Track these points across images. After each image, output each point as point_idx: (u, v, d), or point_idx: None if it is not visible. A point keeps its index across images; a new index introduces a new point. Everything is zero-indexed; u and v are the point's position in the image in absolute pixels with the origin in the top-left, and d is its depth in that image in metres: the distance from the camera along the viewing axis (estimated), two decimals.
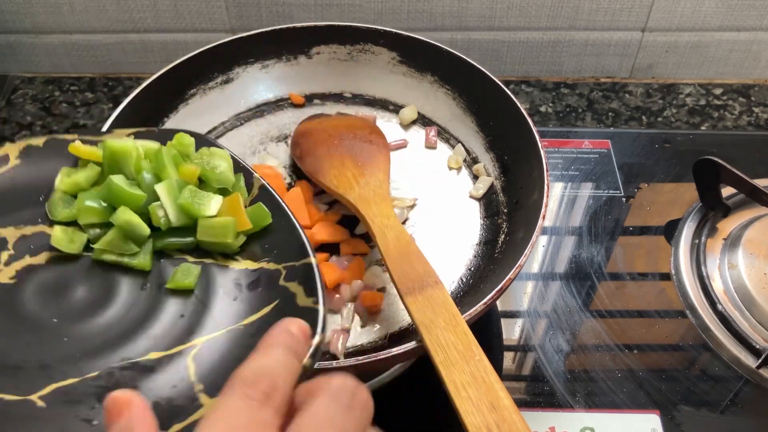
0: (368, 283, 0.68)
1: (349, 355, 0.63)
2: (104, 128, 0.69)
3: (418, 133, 0.82)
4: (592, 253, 0.79)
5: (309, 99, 0.85)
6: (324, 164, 0.71)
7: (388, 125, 0.82)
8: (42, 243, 0.50)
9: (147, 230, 0.50)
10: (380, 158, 0.72)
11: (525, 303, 0.75)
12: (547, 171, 0.67)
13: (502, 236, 0.71)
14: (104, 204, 0.51)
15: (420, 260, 0.57)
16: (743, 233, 0.76)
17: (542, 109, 0.99)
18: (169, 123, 0.78)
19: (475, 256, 0.71)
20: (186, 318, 0.47)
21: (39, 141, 0.56)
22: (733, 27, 0.98)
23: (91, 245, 0.51)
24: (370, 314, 0.66)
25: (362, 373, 0.67)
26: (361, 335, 0.65)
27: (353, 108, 0.84)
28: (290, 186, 0.75)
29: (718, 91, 1.02)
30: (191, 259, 0.51)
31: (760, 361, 0.68)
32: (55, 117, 0.97)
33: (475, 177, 0.77)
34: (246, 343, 0.45)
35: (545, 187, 0.66)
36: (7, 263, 0.49)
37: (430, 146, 0.80)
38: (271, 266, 0.50)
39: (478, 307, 0.57)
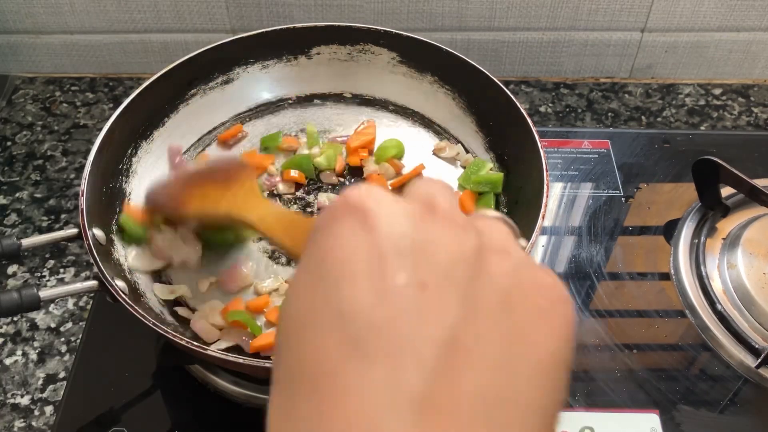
0: None
1: None
2: (105, 128, 0.70)
3: (419, 133, 0.82)
4: (591, 253, 0.79)
5: (309, 99, 0.85)
6: (185, 200, 0.66)
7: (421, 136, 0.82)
8: None
9: None
10: (244, 173, 0.67)
11: None
12: (546, 171, 0.67)
13: None
14: None
15: (307, 222, 0.57)
16: (742, 233, 0.76)
17: (542, 109, 0.99)
18: (170, 123, 0.78)
19: None
20: None
21: None
22: (732, 27, 0.98)
23: None
24: None
25: None
26: None
27: (353, 108, 0.84)
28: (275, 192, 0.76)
29: (717, 92, 1.03)
30: None
31: (759, 360, 0.68)
32: (56, 117, 0.97)
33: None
34: None
35: (545, 187, 0.66)
36: None
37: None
38: None
39: None
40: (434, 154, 0.80)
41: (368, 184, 0.28)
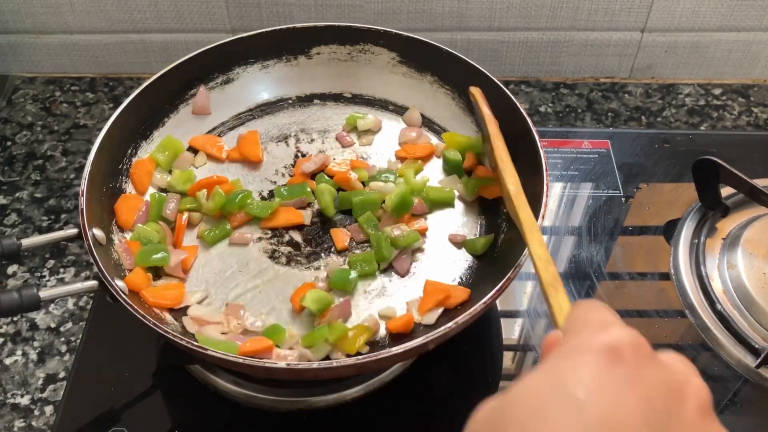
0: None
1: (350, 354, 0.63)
2: (105, 128, 0.70)
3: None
4: (591, 253, 0.80)
5: (309, 99, 0.85)
6: None
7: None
8: None
9: None
10: None
11: (525, 303, 0.75)
12: (546, 171, 0.67)
13: (502, 236, 0.71)
14: None
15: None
16: (742, 233, 0.76)
17: (542, 109, 1.00)
18: (170, 123, 0.78)
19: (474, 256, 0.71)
20: None
21: None
22: (732, 27, 0.98)
23: None
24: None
25: (362, 373, 0.67)
26: None
27: (353, 108, 0.84)
28: (271, 194, 0.76)
29: (717, 92, 1.03)
30: None
31: (759, 360, 0.68)
32: (56, 117, 0.97)
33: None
34: None
35: (545, 187, 0.66)
36: None
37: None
38: None
39: (478, 307, 0.57)
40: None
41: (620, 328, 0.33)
